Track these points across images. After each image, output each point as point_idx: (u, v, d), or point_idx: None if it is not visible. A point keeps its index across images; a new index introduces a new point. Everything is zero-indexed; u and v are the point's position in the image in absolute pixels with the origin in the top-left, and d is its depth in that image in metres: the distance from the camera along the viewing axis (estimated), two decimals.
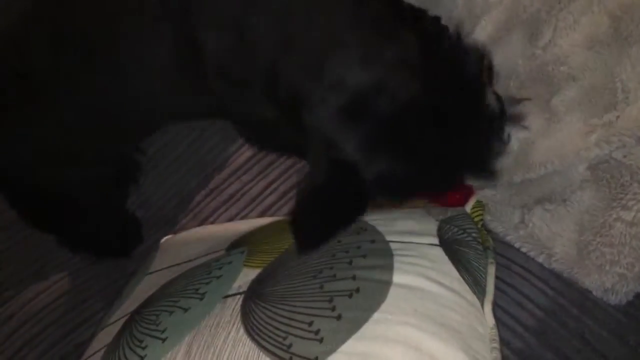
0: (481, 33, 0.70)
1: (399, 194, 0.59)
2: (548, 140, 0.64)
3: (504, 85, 0.67)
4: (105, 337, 0.59)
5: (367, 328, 0.46)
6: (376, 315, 0.46)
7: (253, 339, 0.47)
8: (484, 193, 0.70)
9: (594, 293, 0.61)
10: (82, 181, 0.73)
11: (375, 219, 0.60)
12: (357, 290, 0.48)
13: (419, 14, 0.59)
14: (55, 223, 0.78)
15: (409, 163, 0.55)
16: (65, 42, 0.63)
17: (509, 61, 0.67)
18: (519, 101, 0.62)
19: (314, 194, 0.55)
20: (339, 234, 0.55)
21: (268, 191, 0.84)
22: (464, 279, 0.50)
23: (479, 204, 0.67)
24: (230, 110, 0.68)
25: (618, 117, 0.58)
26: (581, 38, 0.62)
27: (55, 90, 0.65)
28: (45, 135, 0.67)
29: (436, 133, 0.53)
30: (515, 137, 0.66)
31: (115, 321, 0.61)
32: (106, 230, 0.82)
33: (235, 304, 0.52)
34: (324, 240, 0.54)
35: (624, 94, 0.58)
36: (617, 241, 0.59)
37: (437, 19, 0.61)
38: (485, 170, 0.60)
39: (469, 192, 0.70)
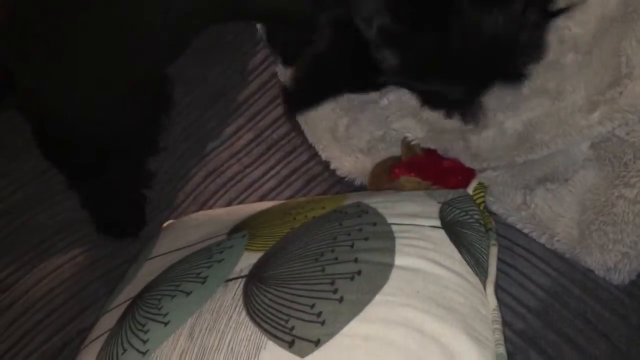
0: None
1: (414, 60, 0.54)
2: (552, 119, 0.63)
3: None
4: (107, 322, 0.59)
5: (369, 311, 0.46)
6: (378, 298, 0.46)
7: (255, 322, 0.47)
8: (485, 174, 0.70)
9: (596, 272, 0.61)
10: (115, 111, 0.70)
11: (376, 202, 0.60)
12: (359, 272, 0.48)
13: None
14: (80, 171, 0.76)
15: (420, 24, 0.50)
16: None
17: None
18: None
19: (314, 59, 0.55)
20: (331, 97, 0.55)
21: (268, 176, 0.84)
22: (465, 260, 0.50)
23: (481, 186, 0.66)
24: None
25: (621, 93, 0.57)
26: (593, 19, 0.60)
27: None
28: (77, 54, 0.64)
29: None
30: (519, 118, 0.65)
31: (117, 306, 0.61)
32: (124, 193, 0.80)
33: (237, 288, 0.51)
34: (314, 102, 0.53)
35: (628, 69, 0.57)
36: (619, 219, 0.59)
37: None
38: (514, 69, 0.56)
39: (470, 174, 0.70)
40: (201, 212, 0.79)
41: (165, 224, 0.76)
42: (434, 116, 0.71)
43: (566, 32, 0.61)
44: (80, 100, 0.68)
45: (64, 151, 0.73)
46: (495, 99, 0.64)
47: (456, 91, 0.57)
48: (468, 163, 0.69)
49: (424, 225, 0.53)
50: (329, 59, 0.55)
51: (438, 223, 0.54)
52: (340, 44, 0.55)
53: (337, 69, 0.56)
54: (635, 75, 0.57)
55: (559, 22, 0.59)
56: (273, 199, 0.82)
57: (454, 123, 0.69)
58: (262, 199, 0.82)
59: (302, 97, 0.57)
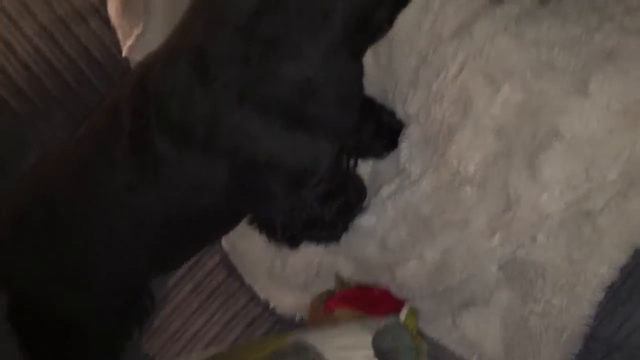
0: None
1: None
2: (462, 246, 0.71)
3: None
4: None
5: None
6: None
7: None
8: (415, 302, 0.75)
9: None
10: (90, 309, 0.74)
11: (314, 337, 0.63)
12: None
13: None
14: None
15: None
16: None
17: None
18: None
19: None
20: None
21: (210, 323, 0.85)
22: None
23: (412, 311, 0.71)
24: None
25: (512, 218, 0.66)
26: (480, 157, 0.68)
27: (76, 216, 0.68)
28: (63, 258, 0.70)
29: None
30: (436, 248, 0.72)
31: None
32: None
33: None
34: None
35: (516, 197, 0.66)
36: (534, 332, 0.65)
37: None
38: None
39: (401, 301, 0.75)
40: None
41: None
42: (361, 253, 0.77)
43: (460, 169, 0.70)
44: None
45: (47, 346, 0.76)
46: (410, 235, 0.72)
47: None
48: (396, 293, 0.75)
49: (358, 356, 0.57)
50: None
51: (371, 353, 0.58)
52: None
53: None
54: (523, 202, 0.66)
55: (448, 158, 0.69)
56: (217, 345, 0.83)
57: (380, 258, 0.76)
58: (206, 347, 0.83)
59: None
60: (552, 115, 0.63)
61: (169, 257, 0.76)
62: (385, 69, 0.76)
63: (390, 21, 0.66)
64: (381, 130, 0.75)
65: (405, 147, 0.73)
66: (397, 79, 0.75)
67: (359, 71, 0.66)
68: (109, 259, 0.70)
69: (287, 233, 0.74)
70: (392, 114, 0.77)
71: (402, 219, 0.73)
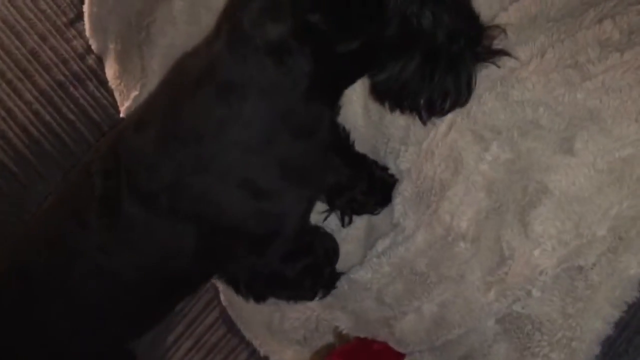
0: None
1: None
2: (459, 300, 0.71)
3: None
4: None
5: None
6: None
7: None
8: (414, 356, 0.75)
9: None
10: None
11: None
12: None
13: None
14: None
15: None
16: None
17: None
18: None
19: None
20: None
21: None
22: None
23: None
24: None
25: (507, 273, 0.67)
26: (472, 213, 0.69)
27: (51, 283, 0.69)
28: (39, 326, 0.70)
29: None
30: (434, 302, 0.73)
31: None
32: None
33: None
34: None
35: (509, 252, 0.67)
36: None
37: None
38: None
39: (400, 355, 0.76)
40: None
41: None
42: (359, 307, 0.78)
43: (453, 225, 0.71)
44: None
45: None
46: (406, 289, 0.72)
47: None
48: (395, 347, 0.75)
49: None
50: None
51: None
52: None
53: None
54: (516, 257, 0.67)
55: (440, 213, 0.70)
56: None
57: (377, 312, 0.76)
58: None
59: None
60: (540, 172, 0.64)
61: (144, 317, 0.77)
62: (376, 126, 0.78)
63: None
64: (374, 186, 0.77)
65: (398, 202, 0.75)
66: (389, 136, 0.77)
67: (316, 144, 0.66)
68: (85, 323, 0.71)
69: (250, 290, 0.76)
70: (385, 169, 0.78)
71: (398, 273, 0.74)
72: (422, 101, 0.62)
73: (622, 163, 0.61)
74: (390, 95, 0.63)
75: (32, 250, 0.71)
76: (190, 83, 0.61)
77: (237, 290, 0.77)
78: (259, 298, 0.77)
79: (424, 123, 0.66)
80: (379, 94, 0.63)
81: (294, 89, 0.58)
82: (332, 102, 0.66)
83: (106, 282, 0.68)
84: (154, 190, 0.63)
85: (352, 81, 0.66)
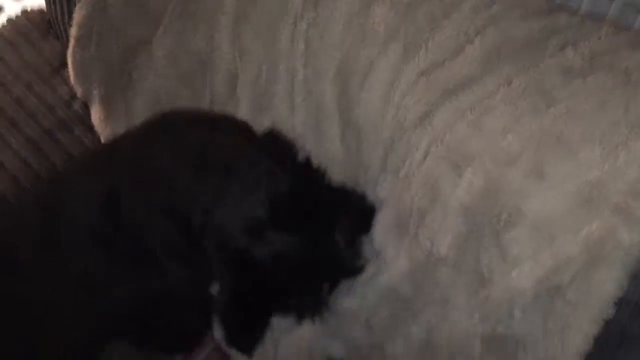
0: None
1: (296, 271, 0.69)
2: (446, 324, 0.73)
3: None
4: None
5: None
6: None
7: None
8: None
9: None
10: None
11: None
12: None
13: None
14: None
15: (296, 236, 0.67)
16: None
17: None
18: None
19: (229, 300, 0.66)
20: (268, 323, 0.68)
21: None
22: None
23: None
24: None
25: (487, 296, 0.69)
26: (451, 238, 0.71)
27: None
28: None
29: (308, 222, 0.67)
30: (422, 327, 0.74)
31: None
32: None
33: None
34: (258, 336, 0.68)
35: (489, 274, 0.69)
36: None
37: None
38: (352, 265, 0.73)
39: None
40: None
41: None
42: (350, 334, 0.79)
43: (433, 248, 0.73)
44: None
45: None
46: (392, 315, 0.74)
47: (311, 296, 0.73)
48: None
49: None
50: (240, 296, 0.67)
51: None
52: (242, 279, 0.67)
53: (252, 300, 0.68)
54: (495, 280, 0.69)
55: (420, 239, 0.72)
56: None
57: (368, 339, 0.78)
58: None
59: (242, 339, 0.69)
60: (513, 197, 0.67)
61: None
62: (354, 155, 0.81)
63: None
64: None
65: (378, 230, 0.77)
66: (367, 165, 0.79)
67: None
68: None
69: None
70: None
71: (384, 300, 0.75)
72: None
73: (589, 186, 0.63)
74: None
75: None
76: None
77: None
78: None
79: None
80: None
81: None
82: None
83: None
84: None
85: None
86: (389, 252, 0.75)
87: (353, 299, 0.76)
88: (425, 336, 0.74)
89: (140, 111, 0.87)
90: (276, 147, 0.75)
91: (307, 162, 0.74)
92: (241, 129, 0.77)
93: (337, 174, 0.81)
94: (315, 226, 0.69)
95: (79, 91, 0.93)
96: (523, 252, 0.66)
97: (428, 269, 0.73)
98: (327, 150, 0.82)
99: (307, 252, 0.68)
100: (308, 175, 0.74)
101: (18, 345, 0.73)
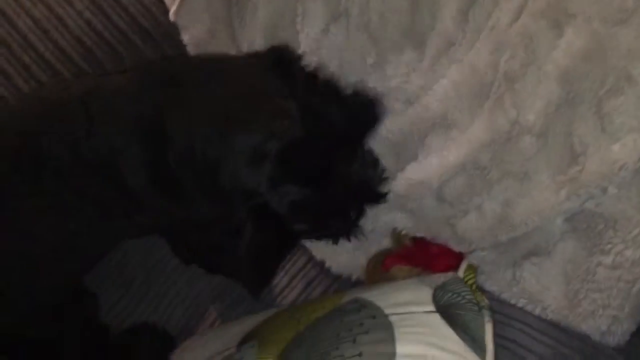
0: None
1: (315, 218, 0.69)
2: (525, 200, 0.68)
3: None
4: None
5: None
6: None
7: None
8: (474, 255, 0.73)
9: (593, 337, 0.63)
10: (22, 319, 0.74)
11: (373, 295, 0.63)
12: None
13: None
14: None
15: (310, 188, 0.65)
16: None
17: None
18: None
19: (248, 246, 0.65)
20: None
21: (270, 285, 0.87)
22: (463, 340, 0.53)
23: (471, 267, 0.70)
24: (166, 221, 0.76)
25: (580, 170, 0.63)
26: (541, 105, 0.65)
27: None
28: None
29: (323, 162, 0.65)
30: (495, 200, 0.70)
31: None
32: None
33: None
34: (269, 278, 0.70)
35: (582, 148, 0.63)
36: (603, 285, 0.62)
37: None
38: (375, 192, 0.72)
39: (459, 257, 0.74)
40: (206, 329, 0.81)
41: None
42: (420, 207, 0.76)
43: (520, 117, 0.67)
44: None
45: None
46: (465, 185, 0.70)
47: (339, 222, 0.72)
48: (456, 247, 0.74)
49: (419, 312, 0.57)
50: (259, 241, 0.67)
51: (432, 307, 0.57)
52: (263, 226, 0.66)
53: (270, 246, 0.69)
54: (589, 153, 0.62)
55: (506, 106, 0.66)
56: (278, 304, 0.85)
57: (438, 211, 0.75)
58: (267, 307, 0.85)
59: (256, 278, 0.71)
60: (622, 60, 0.59)
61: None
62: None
63: None
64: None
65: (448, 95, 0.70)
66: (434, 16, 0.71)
67: None
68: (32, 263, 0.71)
69: None
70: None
71: (459, 169, 0.71)
72: None
73: None
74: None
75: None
76: None
77: None
78: None
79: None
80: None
81: None
82: None
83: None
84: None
85: None
86: (461, 120, 0.70)
87: (427, 163, 0.72)
88: (500, 210, 0.70)
89: None
90: (283, 69, 0.70)
91: (316, 77, 0.71)
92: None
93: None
94: (331, 164, 0.67)
95: None
96: (628, 123, 0.60)
97: (510, 139, 0.67)
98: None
99: (324, 197, 0.67)
100: (320, 95, 0.70)
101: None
